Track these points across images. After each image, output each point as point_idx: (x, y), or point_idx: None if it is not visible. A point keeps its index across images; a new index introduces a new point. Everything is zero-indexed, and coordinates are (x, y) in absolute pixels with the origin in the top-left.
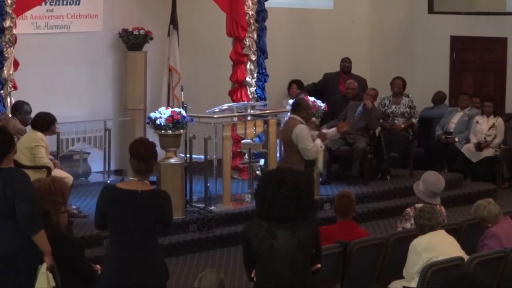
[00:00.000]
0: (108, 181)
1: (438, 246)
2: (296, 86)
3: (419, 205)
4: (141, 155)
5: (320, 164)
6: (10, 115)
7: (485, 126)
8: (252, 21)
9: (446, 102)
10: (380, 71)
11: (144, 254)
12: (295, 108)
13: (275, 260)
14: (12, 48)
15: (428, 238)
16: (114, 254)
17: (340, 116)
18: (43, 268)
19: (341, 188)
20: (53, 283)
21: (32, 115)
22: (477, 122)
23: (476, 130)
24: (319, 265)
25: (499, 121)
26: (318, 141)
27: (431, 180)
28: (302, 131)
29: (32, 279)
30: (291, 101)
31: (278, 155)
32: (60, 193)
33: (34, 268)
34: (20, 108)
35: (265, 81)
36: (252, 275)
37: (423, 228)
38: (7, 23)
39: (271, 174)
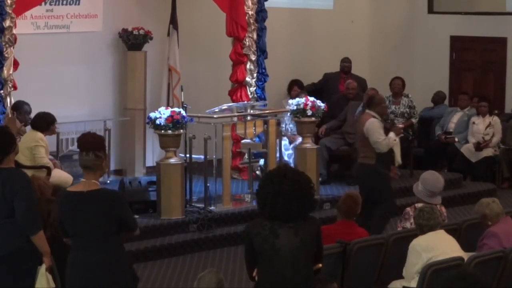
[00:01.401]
0: (108, 181)
1: (437, 246)
2: (297, 87)
3: (419, 205)
4: (88, 144)
5: (398, 157)
6: (10, 116)
7: (482, 126)
8: (252, 21)
9: (446, 102)
10: (380, 71)
11: (101, 256)
12: (368, 104)
13: (277, 259)
14: (12, 48)
15: (427, 238)
16: (73, 258)
17: (340, 116)
18: (42, 269)
19: (341, 188)
20: (52, 284)
21: (32, 115)
22: (473, 122)
23: (474, 131)
24: (320, 265)
25: (495, 119)
26: (392, 134)
27: (430, 180)
28: (372, 124)
29: (32, 279)
30: (291, 101)
31: (277, 155)
32: (39, 191)
33: (34, 268)
34: (20, 108)
35: (265, 81)
36: (254, 274)
37: (422, 228)
38: (7, 23)
39: (272, 173)
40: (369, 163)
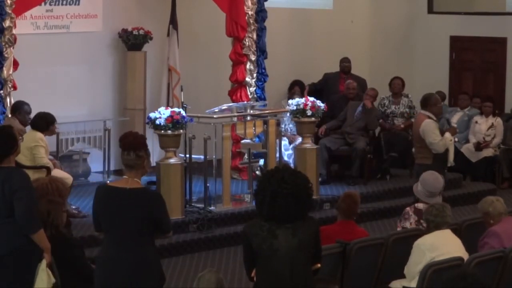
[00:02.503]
0: (108, 181)
1: (442, 245)
2: (298, 87)
3: (418, 205)
4: (129, 144)
5: (451, 157)
6: (9, 115)
7: (484, 126)
8: (251, 21)
9: (446, 102)
10: (380, 71)
11: (133, 254)
12: (424, 104)
13: (276, 259)
14: (11, 48)
15: (432, 237)
16: (104, 253)
17: (339, 116)
18: (43, 265)
19: (340, 188)
20: (53, 279)
21: (32, 115)
22: (476, 122)
23: (475, 130)
24: (319, 265)
25: (498, 121)
26: (447, 134)
27: (429, 180)
28: (428, 125)
29: (32, 278)
30: (290, 101)
31: (277, 155)
32: (57, 192)
33: (34, 267)
34: (19, 108)
35: (265, 81)
36: (253, 274)
37: (428, 224)
38: (7, 23)
39: (270, 174)
40: (426, 163)
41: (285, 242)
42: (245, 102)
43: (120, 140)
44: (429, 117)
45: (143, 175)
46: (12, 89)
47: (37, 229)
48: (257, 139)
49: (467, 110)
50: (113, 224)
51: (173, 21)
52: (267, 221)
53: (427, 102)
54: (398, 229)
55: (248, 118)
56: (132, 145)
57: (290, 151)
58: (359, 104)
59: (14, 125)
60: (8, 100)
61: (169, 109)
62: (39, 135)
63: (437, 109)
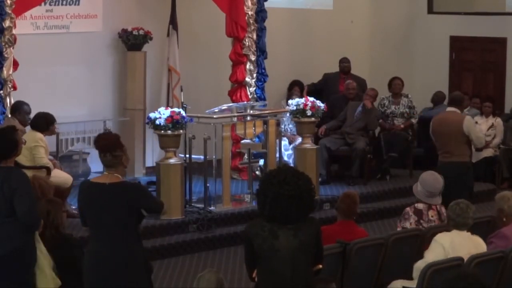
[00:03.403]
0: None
1: (456, 247)
2: (298, 88)
3: (419, 205)
4: (103, 147)
5: None
6: (9, 116)
7: (484, 126)
8: (251, 21)
9: (446, 102)
10: (380, 71)
11: (118, 247)
12: (458, 102)
13: (277, 260)
14: (11, 48)
15: (450, 237)
16: (91, 247)
17: (339, 116)
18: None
19: (340, 188)
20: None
21: (32, 115)
22: (476, 122)
23: None
24: (320, 266)
25: (498, 121)
26: None
27: (429, 180)
28: (471, 122)
29: (31, 278)
30: (290, 102)
31: (277, 155)
32: (40, 190)
33: (33, 267)
34: (19, 108)
35: (265, 81)
36: (254, 274)
37: (449, 221)
38: (7, 23)
39: (272, 175)
40: (466, 160)
41: (286, 243)
42: (245, 102)
43: (94, 143)
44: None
45: (123, 170)
46: (12, 89)
47: (40, 225)
48: (257, 139)
49: (467, 110)
50: (96, 219)
51: (173, 21)
52: (268, 222)
53: (461, 100)
54: (398, 229)
55: (248, 118)
56: (106, 147)
57: (290, 151)
58: (359, 104)
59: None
60: (8, 100)
61: (169, 109)
62: (39, 135)
63: (463, 107)
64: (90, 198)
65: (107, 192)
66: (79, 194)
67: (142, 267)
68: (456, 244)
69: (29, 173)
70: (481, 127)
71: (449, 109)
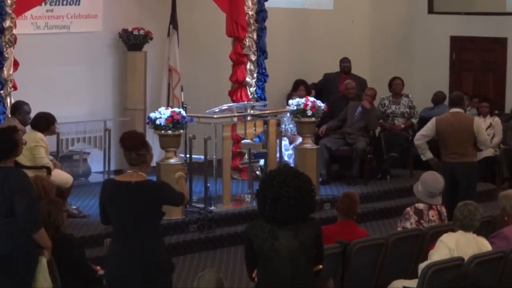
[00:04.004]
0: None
1: (461, 248)
2: (304, 87)
3: (419, 205)
4: (129, 145)
5: None
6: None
7: (483, 126)
8: (252, 21)
9: (446, 102)
10: (380, 71)
11: (141, 246)
12: (459, 102)
13: (277, 261)
14: (12, 48)
15: (455, 238)
16: (114, 246)
17: (339, 116)
18: (43, 263)
19: (341, 188)
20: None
21: (32, 115)
22: None
23: None
24: (321, 266)
25: (496, 120)
26: None
27: (429, 181)
28: (480, 123)
29: (31, 278)
30: (291, 101)
31: (278, 155)
32: (43, 191)
33: (34, 267)
34: (19, 108)
35: (265, 81)
36: (254, 275)
37: (455, 221)
38: (7, 23)
39: (272, 175)
40: (474, 161)
41: (286, 244)
42: (246, 102)
43: (120, 141)
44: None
45: (148, 168)
46: (12, 89)
47: (38, 229)
48: (257, 139)
49: (467, 110)
50: (121, 217)
51: (173, 21)
52: (268, 222)
53: (462, 100)
54: (399, 229)
55: (249, 118)
56: (132, 145)
57: (291, 151)
58: (359, 104)
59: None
60: (8, 100)
61: (170, 109)
62: (39, 135)
63: (465, 107)
64: (116, 196)
65: (134, 191)
66: (103, 192)
67: (166, 264)
68: (461, 245)
69: (30, 173)
70: None
71: (453, 110)
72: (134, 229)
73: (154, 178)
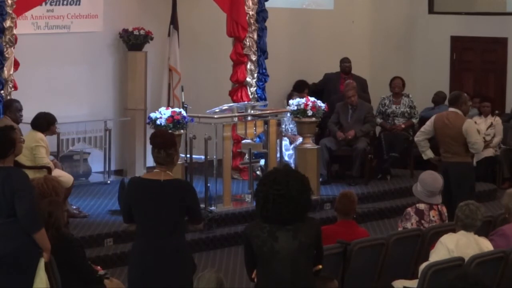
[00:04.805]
0: (108, 181)
1: (461, 249)
2: (308, 90)
3: (420, 205)
4: (160, 144)
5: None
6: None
7: (483, 126)
8: (252, 21)
9: (446, 102)
10: (381, 71)
11: (168, 245)
12: (454, 102)
13: (276, 261)
14: (12, 48)
15: (456, 238)
16: (139, 244)
17: (332, 118)
18: (41, 264)
19: (341, 189)
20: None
21: (31, 114)
22: (475, 122)
23: None
24: (320, 266)
25: (497, 120)
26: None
27: (428, 180)
28: (471, 125)
29: (32, 278)
30: (291, 101)
31: (278, 155)
32: (54, 191)
33: (34, 267)
34: (10, 106)
35: (266, 81)
36: (253, 275)
37: (457, 221)
38: (8, 23)
39: (265, 175)
40: (468, 161)
41: (286, 244)
42: (246, 102)
43: (151, 139)
44: (464, 116)
45: (173, 167)
46: (13, 89)
47: (39, 228)
48: (257, 139)
49: None
50: (148, 215)
51: (174, 21)
52: (266, 223)
53: (458, 100)
54: (399, 229)
55: (249, 118)
56: (162, 144)
57: (291, 151)
58: (347, 104)
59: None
60: None
61: (170, 109)
62: (40, 135)
63: (466, 108)
64: (144, 194)
65: (163, 189)
66: (129, 190)
67: (190, 264)
68: (461, 246)
69: (30, 173)
70: (480, 126)
71: (450, 109)
72: (161, 227)
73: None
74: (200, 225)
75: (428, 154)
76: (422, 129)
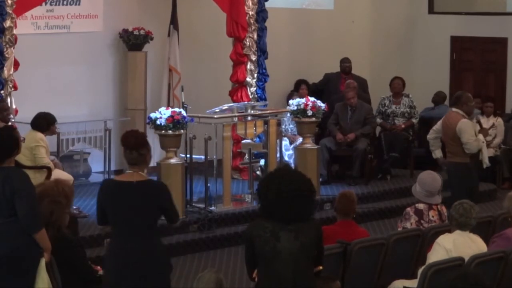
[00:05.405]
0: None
1: (459, 249)
2: (306, 86)
3: (419, 205)
4: (131, 144)
5: (485, 158)
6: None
7: (485, 126)
8: (252, 21)
9: (446, 102)
10: (381, 71)
11: (142, 246)
12: (455, 102)
13: (278, 261)
14: (12, 48)
15: (452, 238)
16: (114, 247)
17: (331, 119)
18: (42, 263)
19: (341, 189)
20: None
21: (30, 114)
22: (478, 122)
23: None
24: (321, 267)
25: (499, 121)
26: (480, 136)
27: (427, 180)
28: (465, 124)
29: (32, 278)
30: (291, 101)
31: (278, 155)
32: (64, 195)
33: (34, 267)
34: None
35: (265, 81)
36: (254, 275)
37: (451, 221)
38: (7, 23)
39: (274, 173)
40: (465, 161)
41: (288, 245)
42: (246, 102)
43: (122, 139)
44: (463, 116)
45: (146, 168)
46: (12, 89)
47: (39, 228)
48: (257, 139)
49: None
50: (122, 217)
51: (174, 21)
52: (269, 222)
53: (459, 100)
54: (399, 229)
55: (249, 118)
56: (134, 144)
57: (291, 151)
58: (346, 105)
59: None
60: (8, 100)
61: (170, 109)
62: (40, 135)
63: (468, 108)
64: (117, 196)
65: (136, 191)
66: (102, 193)
67: (166, 264)
68: (459, 245)
69: (30, 173)
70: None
71: (453, 109)
72: (135, 228)
73: (154, 178)
74: (176, 224)
75: (436, 153)
76: (433, 127)
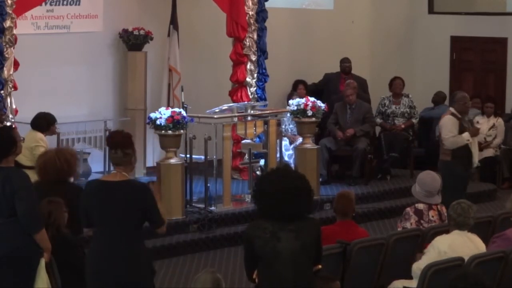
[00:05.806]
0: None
1: (457, 249)
2: (303, 86)
3: (419, 205)
4: (116, 144)
5: (475, 158)
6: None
7: (485, 126)
8: (252, 21)
9: (446, 102)
10: (381, 71)
11: (123, 247)
12: (450, 101)
13: (278, 262)
14: (12, 48)
15: (451, 238)
16: (96, 247)
17: (331, 118)
18: (42, 263)
19: (341, 188)
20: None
21: (31, 115)
22: (477, 122)
23: None
24: (319, 266)
25: (499, 121)
26: (465, 134)
27: (426, 180)
28: (446, 121)
29: (32, 278)
30: (291, 101)
31: (278, 155)
32: (66, 164)
33: (34, 267)
34: None
35: (265, 82)
36: (254, 276)
37: (450, 221)
38: (7, 23)
39: (271, 172)
40: (446, 159)
41: (288, 245)
42: (246, 102)
43: (107, 139)
44: (453, 114)
45: (131, 170)
46: (12, 89)
47: (39, 229)
48: (257, 139)
49: None
50: (103, 218)
51: (174, 21)
52: (269, 221)
53: (453, 99)
54: (399, 229)
55: (249, 118)
56: (119, 144)
57: (291, 151)
58: (345, 104)
59: None
60: (8, 100)
61: (170, 109)
62: (40, 135)
63: (459, 106)
64: (100, 196)
65: (116, 190)
66: (86, 194)
67: (148, 267)
68: (457, 246)
69: (30, 173)
70: (482, 127)
71: (450, 108)
72: (117, 230)
73: (154, 178)
74: (163, 229)
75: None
76: None
